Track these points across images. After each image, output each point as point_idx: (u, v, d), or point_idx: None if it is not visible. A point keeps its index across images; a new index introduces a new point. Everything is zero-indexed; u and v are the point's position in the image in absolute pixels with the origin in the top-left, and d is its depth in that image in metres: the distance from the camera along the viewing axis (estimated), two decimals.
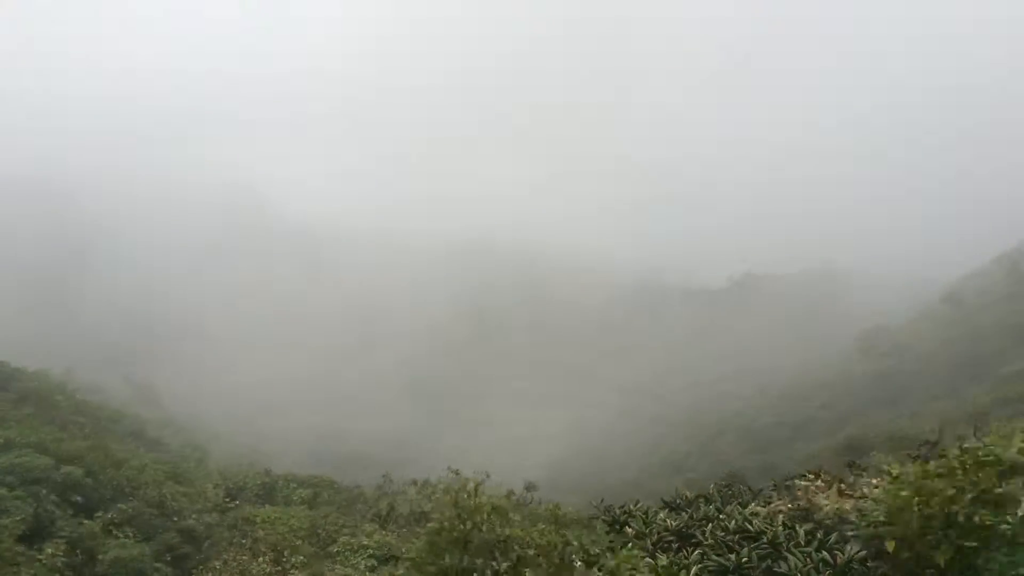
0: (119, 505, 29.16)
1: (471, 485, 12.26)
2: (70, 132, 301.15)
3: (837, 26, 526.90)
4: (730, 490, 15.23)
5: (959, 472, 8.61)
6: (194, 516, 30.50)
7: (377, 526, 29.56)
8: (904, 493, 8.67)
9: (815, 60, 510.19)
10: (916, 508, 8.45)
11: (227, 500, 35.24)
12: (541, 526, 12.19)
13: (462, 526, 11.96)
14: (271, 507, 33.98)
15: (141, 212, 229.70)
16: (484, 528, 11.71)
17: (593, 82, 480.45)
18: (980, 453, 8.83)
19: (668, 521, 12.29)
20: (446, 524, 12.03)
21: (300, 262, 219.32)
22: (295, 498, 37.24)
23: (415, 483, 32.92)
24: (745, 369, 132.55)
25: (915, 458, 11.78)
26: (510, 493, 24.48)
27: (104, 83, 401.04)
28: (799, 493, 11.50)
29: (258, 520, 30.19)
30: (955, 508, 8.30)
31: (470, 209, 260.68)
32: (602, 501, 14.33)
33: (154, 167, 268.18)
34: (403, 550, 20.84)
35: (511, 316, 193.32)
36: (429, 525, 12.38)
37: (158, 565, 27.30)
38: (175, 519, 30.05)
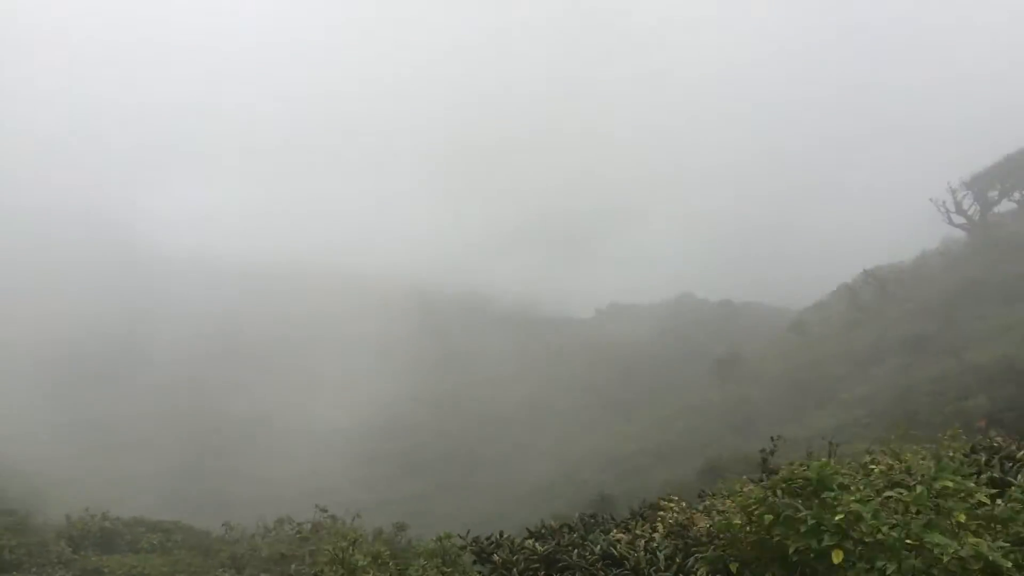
0: None
1: (350, 535, 12.09)
2: None
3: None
4: (594, 519, 15.75)
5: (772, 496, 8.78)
6: (35, 571, 28.33)
7: (235, 572, 28.29)
8: (736, 521, 9.02)
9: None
10: (744, 533, 8.78)
11: (71, 550, 32.87)
12: (423, 562, 12.21)
13: None
14: (121, 556, 31.89)
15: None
16: None
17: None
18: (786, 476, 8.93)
19: (537, 547, 12.72)
20: None
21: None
22: (144, 544, 34.98)
23: (281, 521, 31.59)
24: (607, 397, 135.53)
25: (758, 480, 12.51)
26: (379, 532, 24.07)
27: None
28: (660, 515, 12.12)
29: (106, 571, 28.32)
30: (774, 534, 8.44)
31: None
32: (468, 532, 14.57)
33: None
34: None
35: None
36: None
37: None
38: (15, 575, 27.84)
